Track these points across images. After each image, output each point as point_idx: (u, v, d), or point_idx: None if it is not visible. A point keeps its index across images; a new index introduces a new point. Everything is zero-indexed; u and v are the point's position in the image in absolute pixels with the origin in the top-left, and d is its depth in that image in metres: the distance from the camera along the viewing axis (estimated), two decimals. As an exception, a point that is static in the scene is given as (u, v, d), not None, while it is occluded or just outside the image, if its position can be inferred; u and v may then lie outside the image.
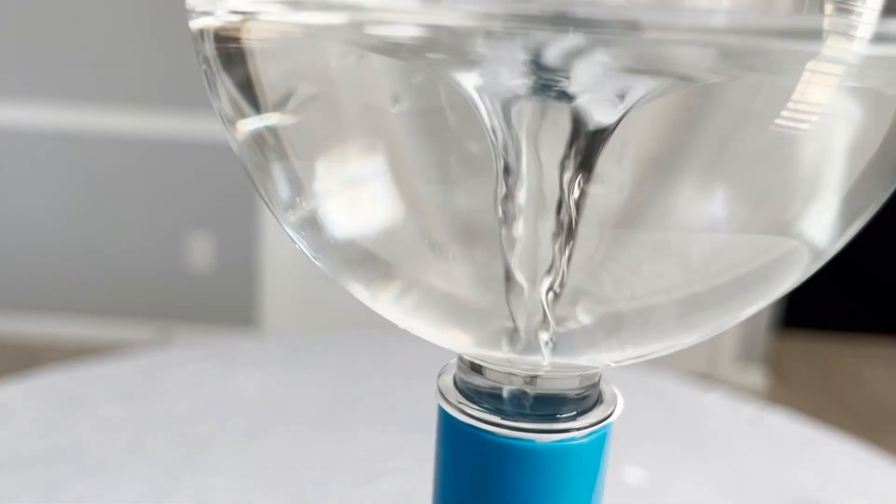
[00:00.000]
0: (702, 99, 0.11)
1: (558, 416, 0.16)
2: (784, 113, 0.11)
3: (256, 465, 0.41)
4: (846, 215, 0.13)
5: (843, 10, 0.10)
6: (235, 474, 0.41)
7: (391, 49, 0.12)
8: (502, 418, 0.16)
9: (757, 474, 0.44)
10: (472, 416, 0.16)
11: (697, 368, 1.97)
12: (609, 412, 0.16)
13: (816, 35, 0.10)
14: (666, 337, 0.14)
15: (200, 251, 2.00)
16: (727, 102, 0.11)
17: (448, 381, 0.17)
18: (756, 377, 2.01)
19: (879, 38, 0.11)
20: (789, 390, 2.02)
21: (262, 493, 0.39)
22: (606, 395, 0.17)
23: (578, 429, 0.16)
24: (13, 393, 0.47)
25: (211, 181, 1.96)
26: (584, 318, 0.14)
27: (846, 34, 0.10)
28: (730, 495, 0.42)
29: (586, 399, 0.16)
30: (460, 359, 0.17)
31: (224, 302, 2.03)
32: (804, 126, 0.11)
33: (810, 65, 0.10)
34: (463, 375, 0.16)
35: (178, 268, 2.01)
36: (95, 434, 0.43)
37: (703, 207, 0.12)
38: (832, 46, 0.10)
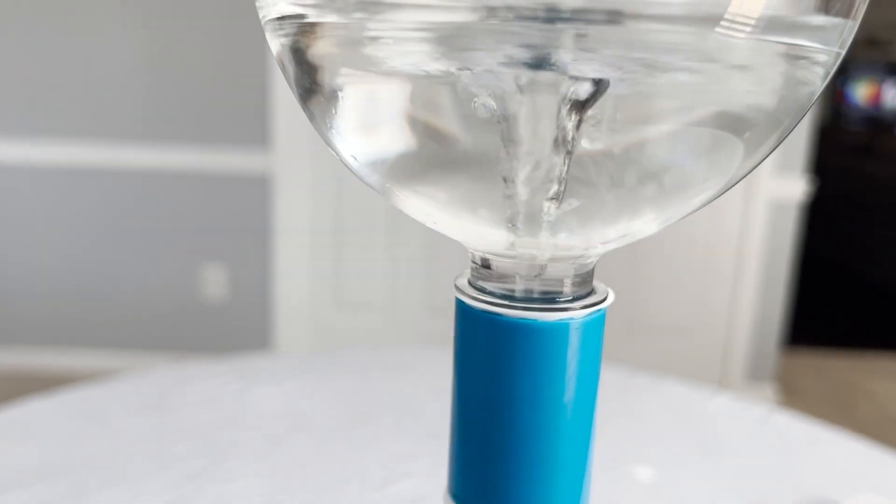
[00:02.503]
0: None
1: (558, 300, 0.19)
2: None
3: (275, 473, 0.43)
4: (748, 134, 0.16)
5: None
6: (255, 481, 0.42)
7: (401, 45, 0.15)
8: (510, 302, 0.18)
9: (765, 472, 0.45)
10: (485, 301, 0.18)
11: (708, 386, 1.96)
12: (602, 298, 0.19)
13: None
14: (639, 215, 0.17)
15: (214, 281, 2.02)
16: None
17: (463, 281, 0.20)
18: (767, 394, 2.00)
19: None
20: (800, 406, 2.01)
21: (280, 498, 0.40)
22: (599, 289, 0.20)
23: (576, 309, 0.18)
24: (38, 408, 0.48)
25: (224, 213, 1.98)
26: (574, 201, 0.16)
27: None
28: (739, 493, 0.42)
29: (581, 288, 0.19)
30: (473, 262, 0.19)
31: (238, 331, 2.04)
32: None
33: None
34: (475, 275, 0.19)
35: (193, 298, 2.03)
36: (119, 445, 0.44)
37: (664, 120, 0.16)
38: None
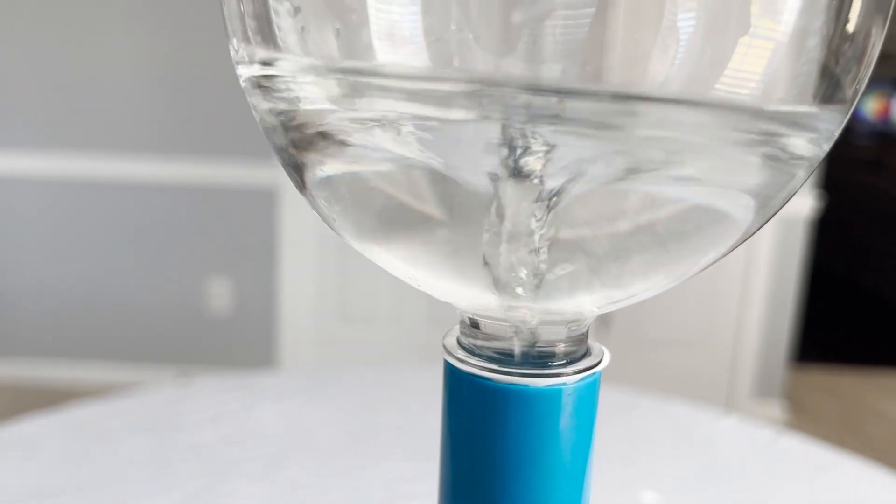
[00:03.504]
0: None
1: (550, 364, 0.18)
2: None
3: (277, 493, 0.42)
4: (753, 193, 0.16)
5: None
6: (257, 501, 0.41)
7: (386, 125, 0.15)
8: (500, 366, 0.18)
9: (773, 497, 0.44)
10: (474, 365, 0.18)
11: (715, 404, 1.95)
12: (597, 361, 0.18)
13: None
14: (635, 282, 0.17)
15: (219, 295, 2.02)
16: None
17: (452, 340, 0.19)
18: (775, 411, 1.99)
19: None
20: (808, 424, 2.00)
21: (283, 520, 0.40)
22: (594, 350, 0.19)
23: (569, 374, 0.17)
24: (39, 426, 0.48)
25: (229, 226, 1.98)
26: (563, 266, 0.16)
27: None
28: (746, 518, 0.42)
29: (575, 351, 0.18)
30: (462, 320, 0.19)
31: (243, 345, 2.04)
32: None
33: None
34: (464, 334, 0.19)
35: (198, 312, 2.03)
36: (120, 464, 0.44)
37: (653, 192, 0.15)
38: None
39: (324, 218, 0.18)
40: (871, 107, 4.94)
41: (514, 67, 0.13)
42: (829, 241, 3.02)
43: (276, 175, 1.91)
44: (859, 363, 2.48)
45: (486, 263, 0.16)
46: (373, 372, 0.60)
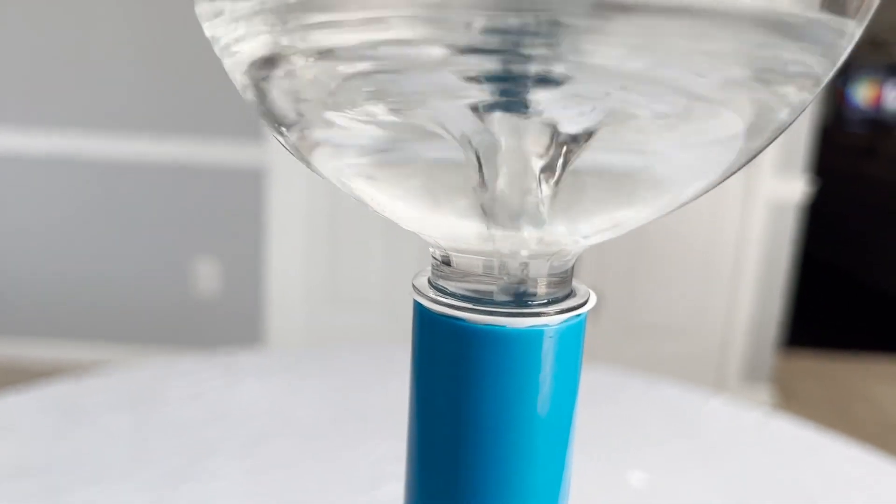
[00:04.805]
0: None
1: (531, 303, 0.16)
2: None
3: (258, 472, 0.41)
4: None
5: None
6: (237, 481, 0.41)
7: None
8: (475, 305, 0.16)
9: (761, 478, 0.44)
10: (447, 304, 0.16)
11: (705, 388, 1.95)
12: (582, 302, 0.16)
13: None
14: (622, 208, 0.15)
15: (207, 276, 2.01)
16: None
17: (423, 280, 0.17)
18: (763, 396, 1.99)
19: None
20: (797, 409, 2.01)
21: (263, 499, 0.39)
22: (580, 291, 0.17)
23: (550, 314, 0.16)
24: (16, 403, 0.47)
25: (217, 206, 1.97)
26: (553, 191, 0.14)
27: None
28: (734, 499, 0.41)
29: (559, 290, 0.17)
30: (433, 259, 0.17)
31: (230, 326, 2.03)
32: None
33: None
34: (436, 274, 0.17)
35: (185, 292, 2.02)
36: (97, 443, 0.43)
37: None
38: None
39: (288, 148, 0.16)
40: (864, 94, 4.95)
41: None
42: (820, 227, 3.03)
43: (264, 155, 1.90)
44: (848, 349, 2.49)
45: (473, 190, 0.14)
46: (357, 352, 0.59)
